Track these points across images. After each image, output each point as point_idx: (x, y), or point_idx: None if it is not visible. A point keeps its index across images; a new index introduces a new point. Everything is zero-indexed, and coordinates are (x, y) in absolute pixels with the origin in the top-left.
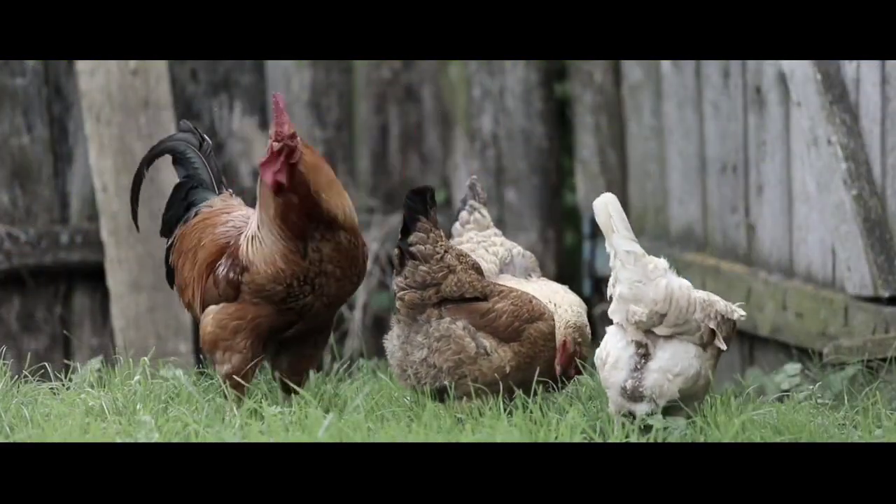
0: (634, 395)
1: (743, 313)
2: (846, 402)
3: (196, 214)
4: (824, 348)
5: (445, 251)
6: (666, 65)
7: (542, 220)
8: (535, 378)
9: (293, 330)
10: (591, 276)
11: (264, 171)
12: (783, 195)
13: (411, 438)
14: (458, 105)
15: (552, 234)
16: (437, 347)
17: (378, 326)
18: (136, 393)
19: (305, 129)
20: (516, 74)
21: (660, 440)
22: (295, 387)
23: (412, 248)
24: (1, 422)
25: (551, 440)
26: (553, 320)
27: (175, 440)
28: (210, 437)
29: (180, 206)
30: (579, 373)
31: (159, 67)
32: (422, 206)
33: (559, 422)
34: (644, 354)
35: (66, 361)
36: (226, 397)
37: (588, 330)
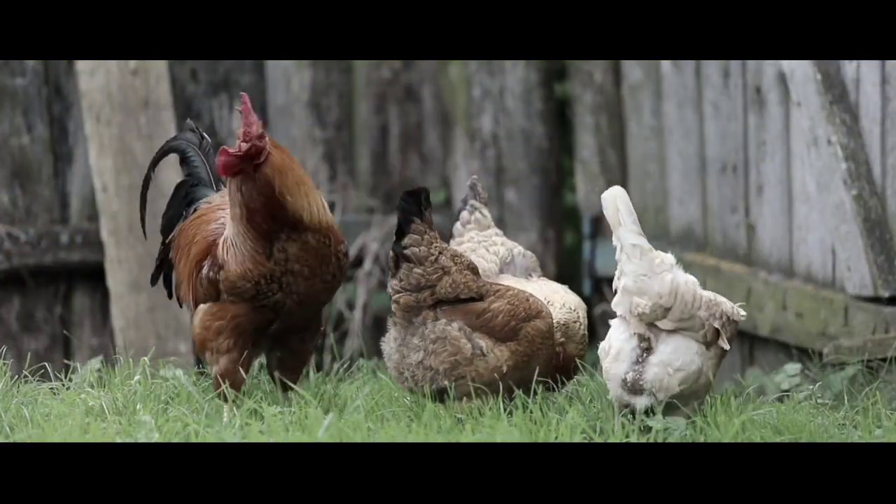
0: (634, 388)
1: (743, 313)
2: (846, 402)
3: (195, 211)
4: (824, 348)
5: (440, 253)
6: (666, 65)
7: (542, 220)
8: (535, 376)
9: (275, 327)
10: (591, 276)
11: (220, 155)
12: (783, 195)
13: (411, 438)
14: (458, 105)
15: (552, 234)
16: (433, 349)
17: (378, 326)
18: (136, 393)
19: (305, 129)
20: (516, 74)
21: (660, 440)
22: (289, 383)
23: (406, 251)
24: (1, 422)
25: (551, 440)
26: (551, 318)
27: (175, 440)
28: (210, 437)
29: (181, 204)
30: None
31: (159, 67)
32: (416, 208)
33: (559, 422)
34: (646, 348)
35: (66, 361)
36: (225, 399)
37: (579, 328)
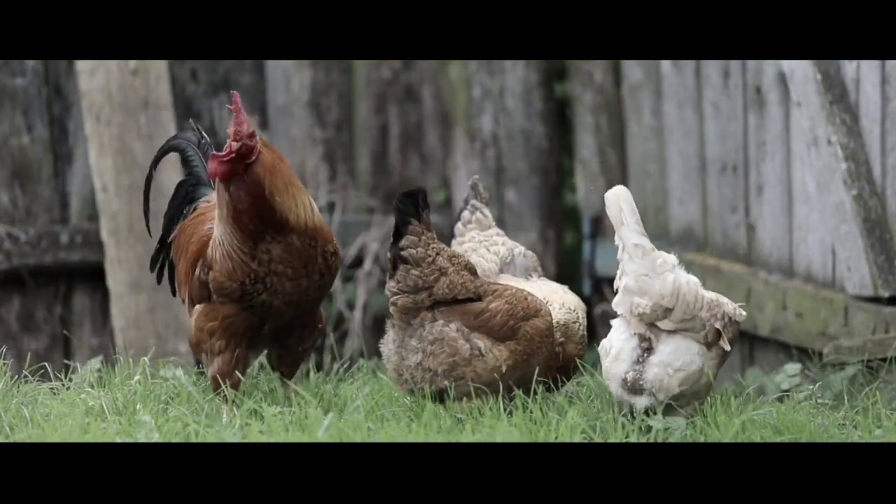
0: (634, 388)
1: (743, 313)
2: (846, 402)
3: (195, 210)
4: (824, 348)
5: (437, 254)
6: (666, 65)
7: (542, 220)
8: (536, 375)
9: (268, 327)
10: (591, 276)
11: (211, 162)
12: (783, 195)
13: (411, 438)
14: (458, 105)
15: (552, 234)
16: (431, 351)
17: (378, 326)
18: (136, 393)
19: (305, 129)
20: (516, 74)
21: (660, 440)
22: (284, 379)
23: (403, 253)
24: (1, 422)
25: (551, 440)
26: (550, 316)
27: (175, 440)
28: (210, 437)
29: (182, 203)
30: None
31: (159, 67)
32: (413, 209)
33: (559, 422)
34: (647, 348)
35: (66, 361)
36: (225, 399)
37: (579, 328)
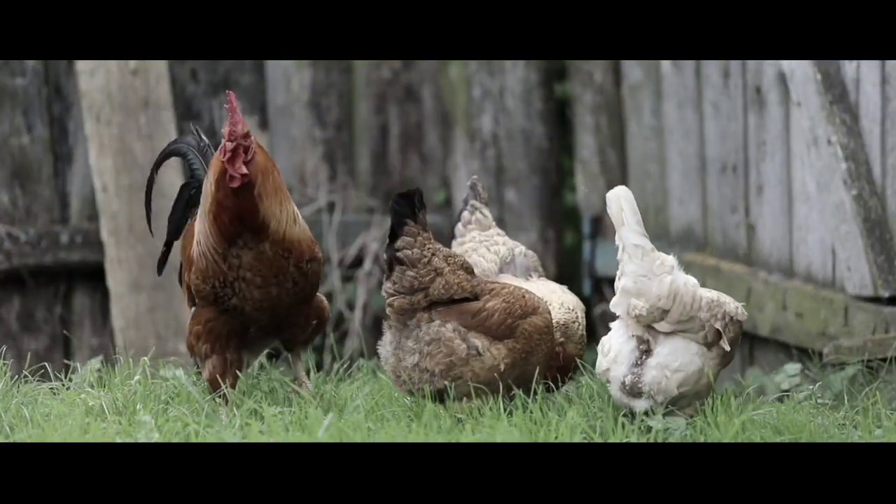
0: (633, 391)
1: (744, 313)
2: (846, 402)
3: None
4: (824, 348)
5: (433, 254)
6: (666, 65)
7: (542, 220)
8: (536, 374)
9: (253, 330)
10: (591, 276)
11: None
12: (783, 195)
13: (411, 438)
14: (458, 105)
15: (552, 234)
16: (428, 351)
17: (378, 326)
18: (136, 393)
19: (305, 129)
20: (516, 74)
21: (660, 440)
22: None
23: (398, 254)
24: (1, 422)
25: (551, 440)
26: (549, 314)
27: (175, 440)
28: (210, 437)
29: (185, 206)
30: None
31: (159, 67)
32: (409, 210)
33: (559, 422)
34: (645, 350)
35: (66, 361)
36: (226, 400)
37: (578, 328)
